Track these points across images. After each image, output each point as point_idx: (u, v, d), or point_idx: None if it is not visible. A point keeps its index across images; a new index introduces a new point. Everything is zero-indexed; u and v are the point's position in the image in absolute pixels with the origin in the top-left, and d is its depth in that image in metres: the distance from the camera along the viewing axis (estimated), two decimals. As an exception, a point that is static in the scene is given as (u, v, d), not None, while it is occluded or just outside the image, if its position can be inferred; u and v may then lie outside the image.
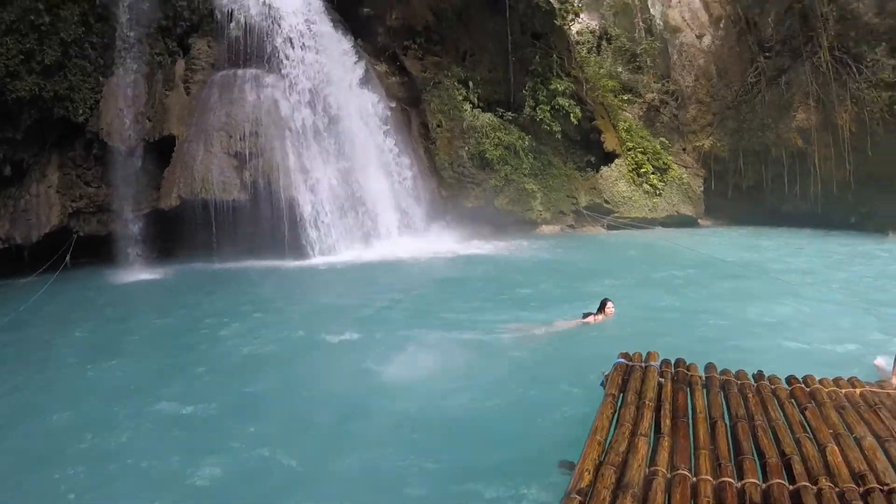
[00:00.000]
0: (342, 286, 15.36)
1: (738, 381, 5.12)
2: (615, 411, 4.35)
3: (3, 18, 16.46)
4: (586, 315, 9.75)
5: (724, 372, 5.37)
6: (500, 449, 5.68)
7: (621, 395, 4.71)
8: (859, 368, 6.47)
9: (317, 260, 18.47)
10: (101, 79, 18.61)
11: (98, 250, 18.83)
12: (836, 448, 3.88)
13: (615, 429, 4.02)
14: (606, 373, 5.34)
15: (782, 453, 3.80)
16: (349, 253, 19.09)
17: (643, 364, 5.40)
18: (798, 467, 3.64)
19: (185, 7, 19.91)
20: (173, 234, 18.82)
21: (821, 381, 5.31)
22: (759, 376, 5.32)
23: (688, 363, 5.53)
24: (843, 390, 5.10)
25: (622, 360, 5.52)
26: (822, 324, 9.93)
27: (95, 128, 18.49)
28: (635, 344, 5.95)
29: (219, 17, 20.14)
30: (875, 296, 12.27)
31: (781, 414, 4.51)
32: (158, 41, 19.59)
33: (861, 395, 5.04)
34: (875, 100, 23.45)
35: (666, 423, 4.15)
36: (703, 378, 5.25)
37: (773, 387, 5.09)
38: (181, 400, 7.18)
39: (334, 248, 19.25)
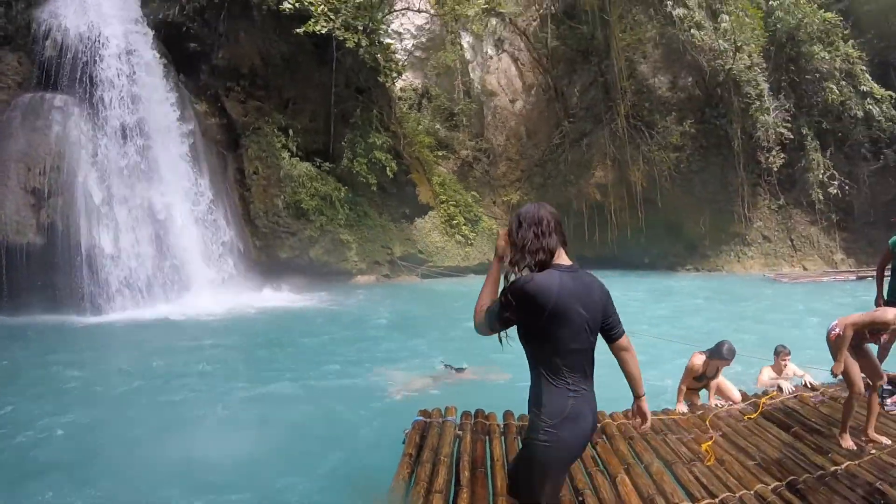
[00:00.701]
0: (134, 347, 13.65)
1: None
2: (412, 471, 4.68)
3: None
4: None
5: (523, 417, 5.80)
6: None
7: (418, 453, 5.03)
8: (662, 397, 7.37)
9: (117, 315, 16.95)
10: None
11: None
12: (625, 477, 4.58)
13: (411, 489, 4.35)
14: (407, 431, 5.60)
15: (576, 490, 4.41)
16: (154, 308, 17.64)
17: (441, 419, 5.77)
18: (591, 500, 4.25)
19: (1, 15, 18.40)
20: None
21: (611, 416, 6.08)
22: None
23: (487, 412, 6.04)
24: (632, 421, 5.68)
25: (420, 417, 5.83)
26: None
27: None
28: (439, 400, 6.41)
29: (35, 30, 18.57)
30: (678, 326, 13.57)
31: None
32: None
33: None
34: (664, 159, 27.54)
35: (465, 475, 4.57)
36: (502, 426, 5.72)
37: None
38: None
39: (138, 303, 17.86)
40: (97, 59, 18.85)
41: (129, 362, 11.86)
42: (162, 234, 19.23)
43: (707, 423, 6.08)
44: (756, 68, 27.40)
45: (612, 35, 28.67)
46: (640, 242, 28.75)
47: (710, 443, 5.47)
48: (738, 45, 26.46)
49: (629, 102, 28.64)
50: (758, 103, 26.91)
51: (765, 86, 27.13)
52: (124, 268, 18.01)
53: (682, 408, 6.78)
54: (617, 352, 3.31)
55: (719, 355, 6.77)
